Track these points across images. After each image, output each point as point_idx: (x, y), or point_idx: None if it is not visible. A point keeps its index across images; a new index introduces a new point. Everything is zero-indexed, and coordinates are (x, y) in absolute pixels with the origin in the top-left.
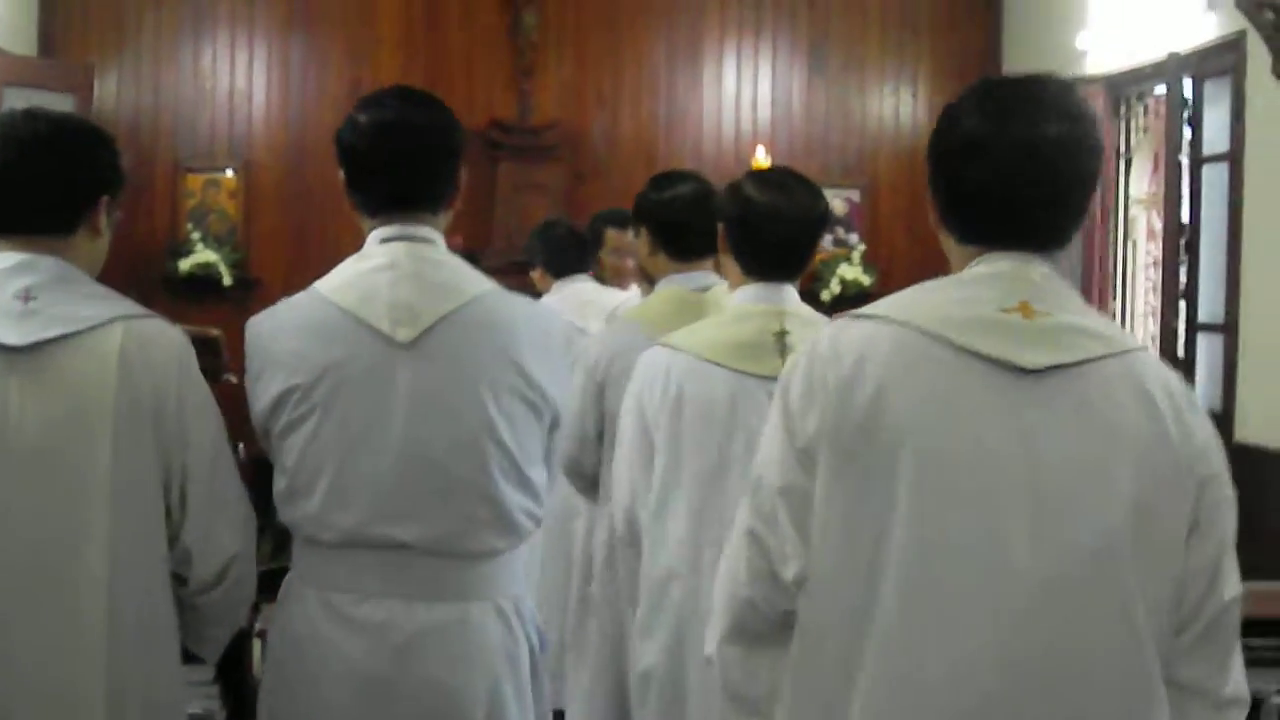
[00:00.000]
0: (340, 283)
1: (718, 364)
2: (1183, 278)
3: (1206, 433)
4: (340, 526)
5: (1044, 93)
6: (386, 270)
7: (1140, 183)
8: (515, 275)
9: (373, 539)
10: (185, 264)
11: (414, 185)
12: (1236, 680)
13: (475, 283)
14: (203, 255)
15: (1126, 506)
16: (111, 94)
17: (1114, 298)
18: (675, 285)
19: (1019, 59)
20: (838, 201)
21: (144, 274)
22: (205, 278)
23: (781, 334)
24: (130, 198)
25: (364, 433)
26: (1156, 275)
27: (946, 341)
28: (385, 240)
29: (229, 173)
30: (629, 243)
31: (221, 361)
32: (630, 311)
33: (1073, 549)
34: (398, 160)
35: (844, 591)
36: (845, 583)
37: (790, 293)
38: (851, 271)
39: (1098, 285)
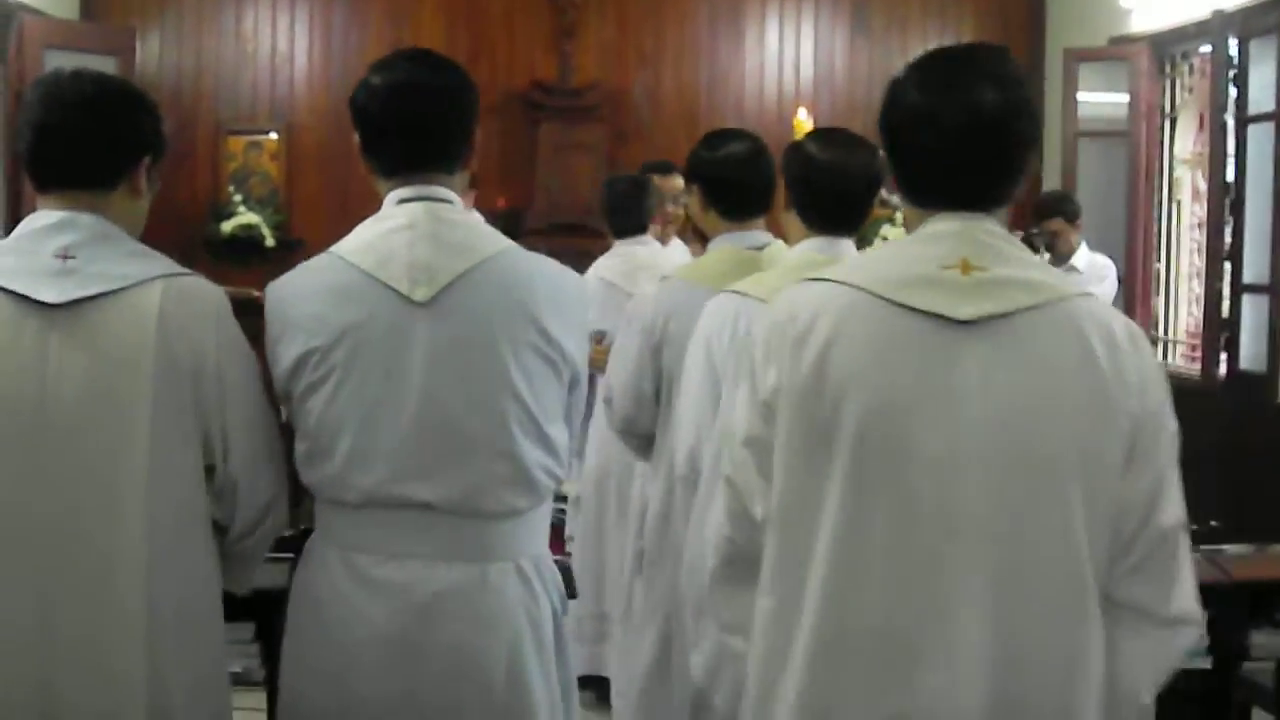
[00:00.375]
0: (359, 244)
1: None
2: (1227, 238)
3: (1144, 371)
4: (361, 487)
5: (981, 63)
6: (405, 231)
7: (1185, 142)
8: (558, 236)
9: (394, 498)
10: (228, 226)
11: (428, 145)
12: (1181, 600)
13: (492, 241)
14: (245, 217)
15: (1063, 441)
16: (154, 57)
17: (1158, 259)
18: (729, 244)
19: (1063, 19)
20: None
21: (187, 236)
22: (248, 239)
23: None
24: (172, 161)
25: (383, 393)
26: (1201, 236)
27: (886, 300)
28: (402, 201)
29: (271, 135)
30: (674, 187)
31: (261, 323)
32: (684, 269)
33: (1008, 488)
34: (411, 121)
35: (790, 537)
36: (791, 529)
37: (849, 246)
38: (894, 232)
39: (1142, 246)
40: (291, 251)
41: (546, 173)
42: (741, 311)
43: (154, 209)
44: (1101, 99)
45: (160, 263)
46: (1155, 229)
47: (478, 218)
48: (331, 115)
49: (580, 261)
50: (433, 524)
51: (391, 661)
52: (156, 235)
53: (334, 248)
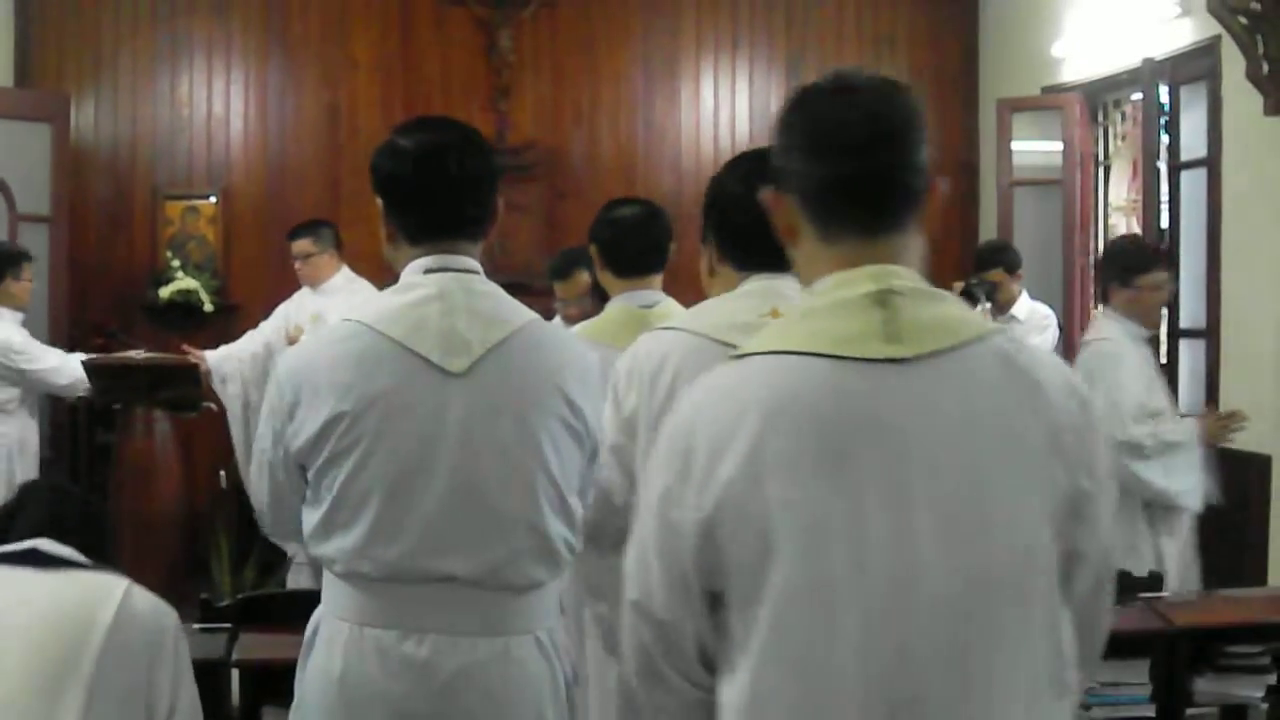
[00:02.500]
0: (385, 313)
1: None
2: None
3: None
4: (384, 559)
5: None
6: (435, 301)
7: (1120, 189)
8: None
9: (418, 572)
10: (166, 291)
11: (461, 210)
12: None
13: (519, 312)
14: (183, 282)
15: None
16: (89, 123)
17: (1094, 305)
18: (623, 303)
19: (995, 69)
20: None
21: (125, 301)
22: (186, 304)
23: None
24: (110, 226)
25: (415, 463)
26: None
27: (716, 340)
28: (429, 271)
29: (209, 199)
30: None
31: (201, 389)
32: (583, 329)
33: None
34: (446, 185)
35: None
36: None
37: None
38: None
39: (1079, 293)
40: (229, 315)
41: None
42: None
43: (91, 275)
44: (1036, 147)
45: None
46: (1092, 275)
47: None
48: (269, 178)
49: None
50: (456, 598)
51: None
52: (96, 301)
53: (356, 316)
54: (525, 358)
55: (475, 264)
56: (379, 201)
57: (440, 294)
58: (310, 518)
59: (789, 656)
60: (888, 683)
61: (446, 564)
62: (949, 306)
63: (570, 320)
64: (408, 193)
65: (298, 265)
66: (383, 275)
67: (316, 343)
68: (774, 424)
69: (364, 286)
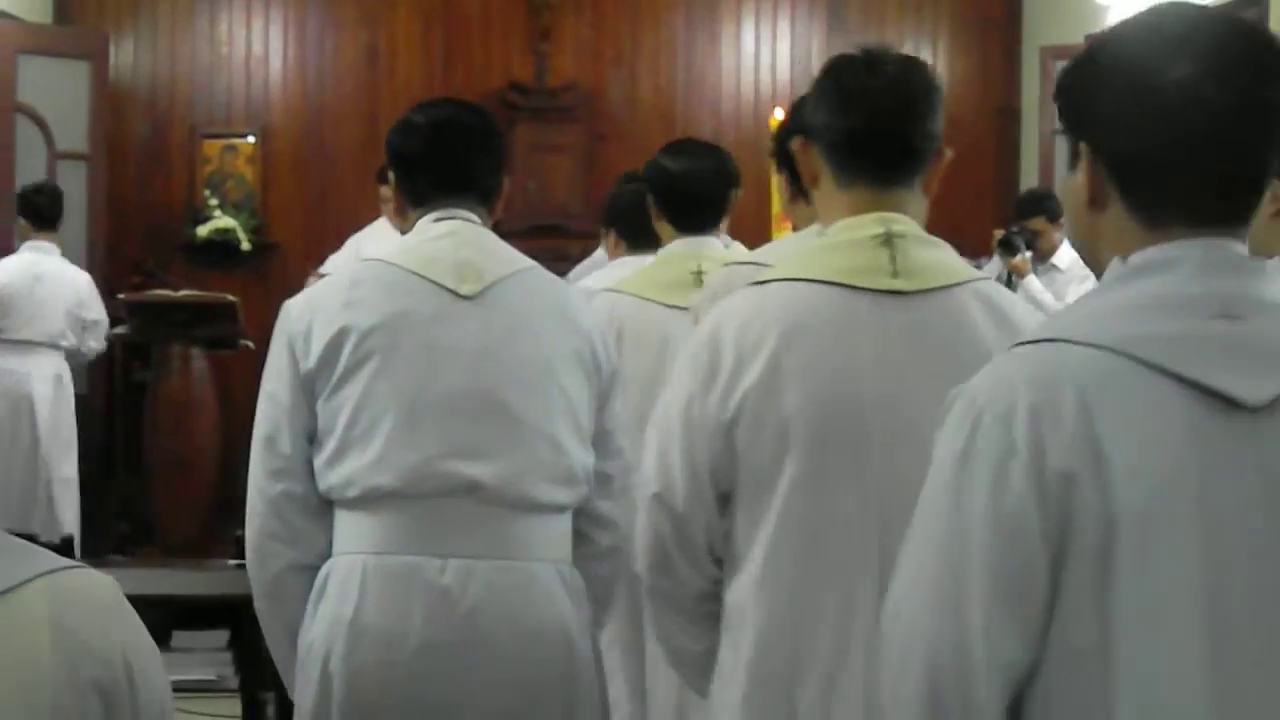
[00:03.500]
0: (398, 250)
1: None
2: None
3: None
4: (405, 465)
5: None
6: (447, 237)
7: None
8: (536, 238)
9: (439, 479)
10: (204, 230)
11: (467, 171)
12: None
13: (524, 258)
14: (221, 221)
15: None
16: (128, 61)
17: None
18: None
19: (1039, 16)
20: None
21: (162, 241)
22: (224, 243)
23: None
24: (147, 165)
25: (429, 371)
26: None
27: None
28: (439, 219)
29: (247, 138)
30: None
31: (238, 326)
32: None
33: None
34: (453, 147)
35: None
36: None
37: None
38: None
39: None
40: (267, 255)
41: (524, 175)
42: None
43: (129, 213)
44: None
45: (35, 557)
46: None
47: None
48: (307, 118)
49: (558, 265)
50: (477, 515)
51: (440, 670)
52: (132, 240)
53: (368, 258)
54: (537, 288)
55: (481, 219)
56: (391, 178)
57: (451, 232)
58: (324, 448)
59: (793, 542)
60: (886, 551)
61: (469, 468)
62: (942, 253)
63: None
64: (418, 155)
65: (389, 207)
66: None
67: (327, 281)
68: (792, 340)
69: None
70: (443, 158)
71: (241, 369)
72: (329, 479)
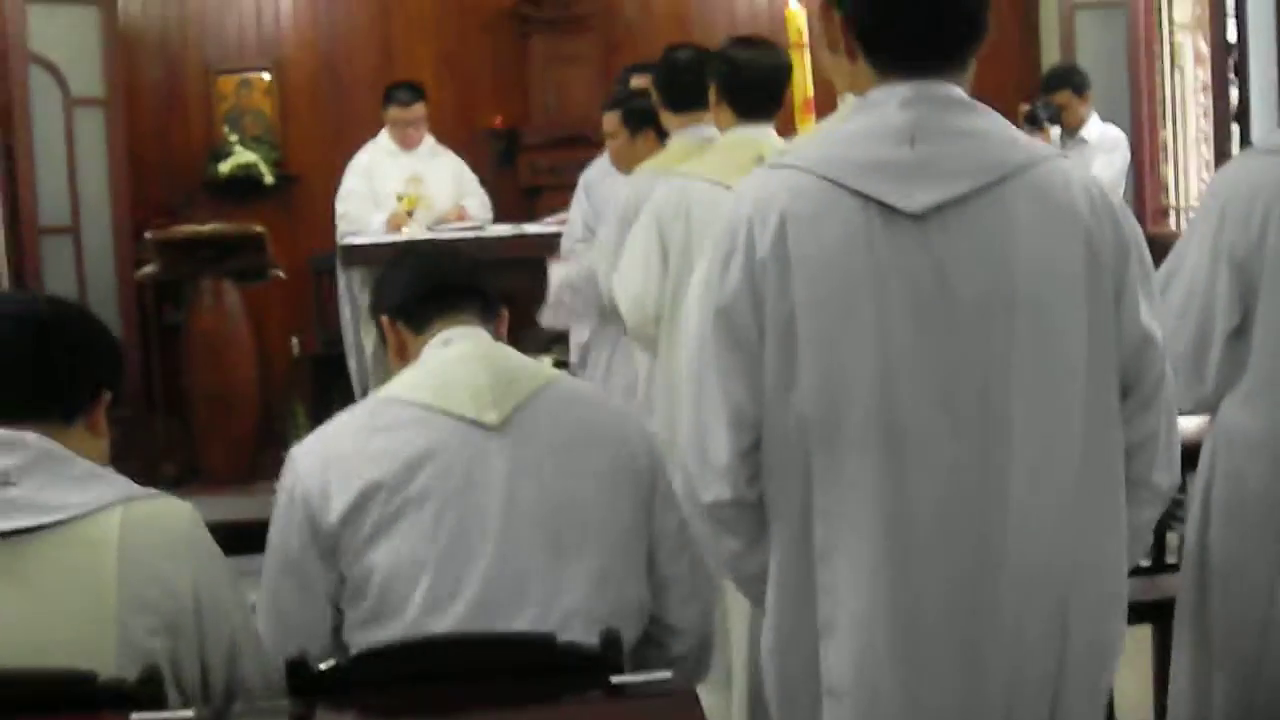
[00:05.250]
0: (407, 384)
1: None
2: (1234, 100)
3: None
4: (443, 627)
5: None
6: (458, 362)
7: (1183, 7)
8: (558, 150)
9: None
10: (225, 166)
11: (472, 281)
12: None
13: (543, 368)
14: (242, 156)
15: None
16: (136, 3)
17: (1163, 126)
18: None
19: None
20: None
21: (185, 180)
22: (247, 178)
23: None
24: (164, 105)
25: (463, 525)
26: (1207, 100)
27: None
28: (447, 342)
29: (262, 74)
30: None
31: (268, 257)
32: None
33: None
34: (439, 265)
35: None
36: None
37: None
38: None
39: (1147, 115)
40: (290, 187)
41: (541, 87)
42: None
43: (149, 155)
44: None
45: (120, 486)
46: (1159, 97)
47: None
48: (322, 49)
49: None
50: None
51: None
52: (155, 180)
53: (374, 395)
54: (561, 408)
55: (484, 332)
56: (384, 321)
57: (461, 356)
58: (354, 611)
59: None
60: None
61: (508, 624)
62: (978, 140)
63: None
64: (406, 286)
65: (409, 130)
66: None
67: (332, 426)
68: (802, 269)
69: (448, 154)
70: (430, 270)
71: (274, 299)
72: (359, 640)
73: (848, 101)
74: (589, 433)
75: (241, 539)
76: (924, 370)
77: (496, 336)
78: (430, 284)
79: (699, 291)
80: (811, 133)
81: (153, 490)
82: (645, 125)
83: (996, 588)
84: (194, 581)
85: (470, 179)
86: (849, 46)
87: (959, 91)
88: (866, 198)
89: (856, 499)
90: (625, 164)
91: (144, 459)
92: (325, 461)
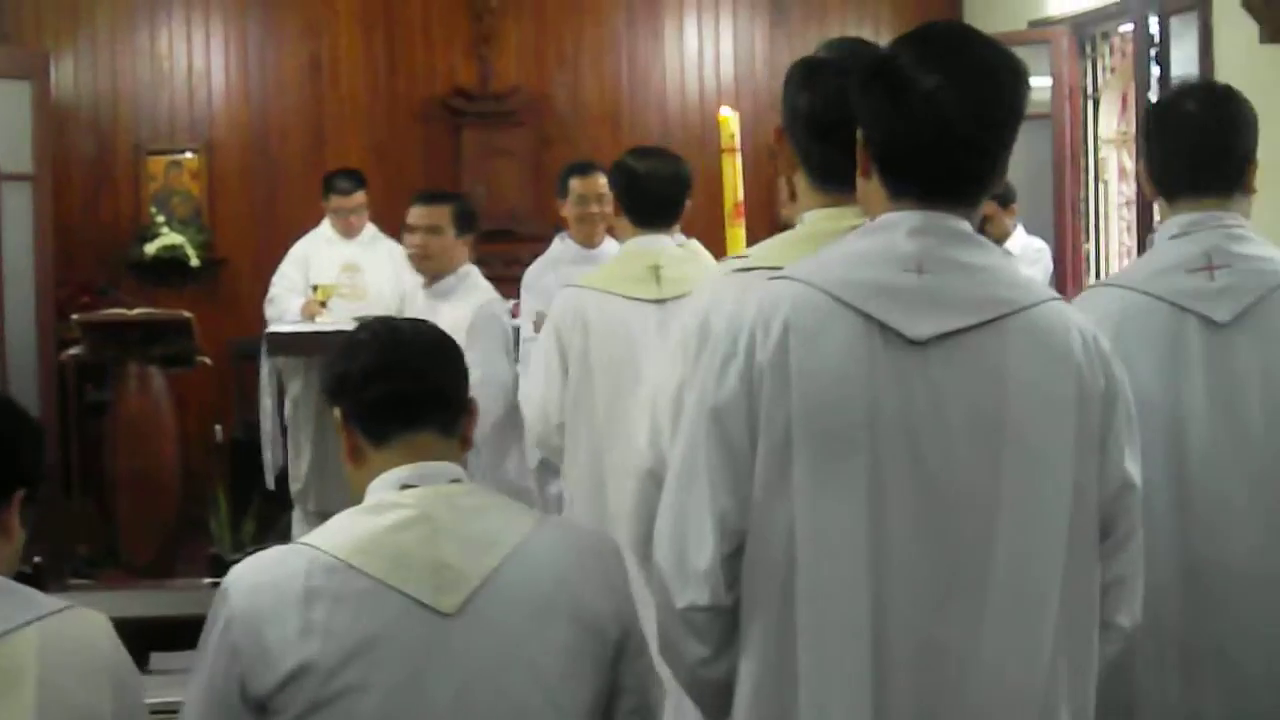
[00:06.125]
0: (359, 544)
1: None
2: (1156, 215)
3: (1107, 373)
4: None
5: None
6: (418, 525)
7: (1110, 122)
8: (487, 243)
9: None
10: (151, 247)
11: (439, 391)
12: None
13: (515, 525)
14: (169, 238)
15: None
16: (69, 79)
17: (1087, 239)
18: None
19: (981, 3)
20: None
21: (110, 259)
22: (172, 260)
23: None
24: (93, 183)
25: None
26: (1130, 214)
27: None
28: (406, 486)
29: (191, 154)
30: (596, 186)
31: (194, 344)
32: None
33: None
34: (406, 364)
35: None
36: None
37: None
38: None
39: (1070, 227)
40: (216, 270)
41: (471, 180)
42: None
43: (75, 233)
44: None
45: (29, 602)
46: (1083, 210)
47: None
48: (252, 131)
49: (511, 270)
50: None
51: None
52: (80, 259)
53: (319, 543)
54: (527, 577)
55: (458, 469)
56: (336, 414)
57: (423, 516)
58: None
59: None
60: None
61: None
62: (983, 276)
63: (584, 222)
64: (364, 386)
65: (350, 218)
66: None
67: (272, 573)
68: (802, 380)
69: (388, 241)
70: (397, 374)
71: (198, 386)
72: None
73: (805, 221)
74: (554, 605)
75: (160, 634)
76: (913, 494)
77: (462, 442)
78: (388, 392)
79: (669, 396)
80: (782, 243)
81: (62, 603)
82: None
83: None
84: (114, 711)
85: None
86: (864, 163)
87: (967, 226)
88: (870, 319)
89: (841, 621)
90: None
91: (58, 541)
92: (259, 620)
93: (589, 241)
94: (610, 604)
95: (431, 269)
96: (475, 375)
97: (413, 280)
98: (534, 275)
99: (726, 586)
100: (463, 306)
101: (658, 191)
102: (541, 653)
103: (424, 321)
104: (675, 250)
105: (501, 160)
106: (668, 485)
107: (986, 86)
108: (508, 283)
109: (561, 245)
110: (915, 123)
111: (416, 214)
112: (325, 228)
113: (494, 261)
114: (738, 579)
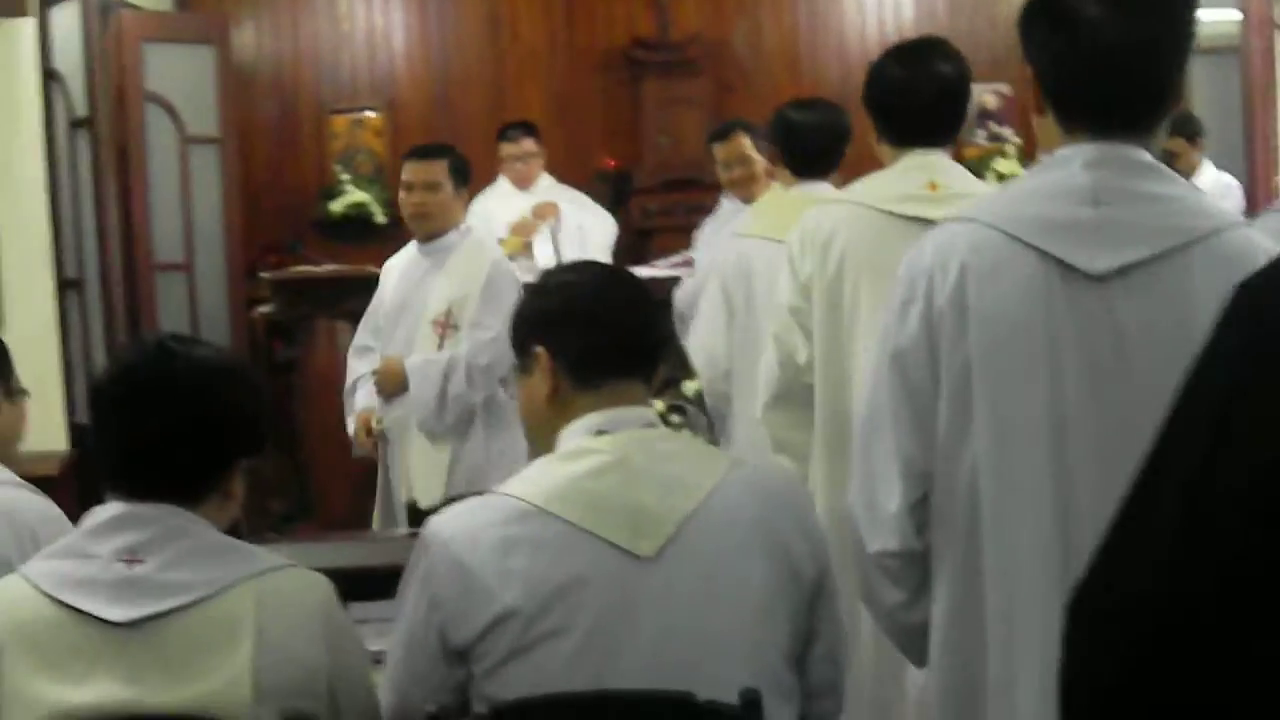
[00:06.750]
0: (555, 490)
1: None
2: None
3: None
4: None
5: None
6: (615, 470)
7: None
8: (669, 193)
9: None
10: (337, 206)
11: (636, 342)
12: None
13: (711, 468)
14: (354, 196)
15: None
16: (250, 43)
17: (1277, 172)
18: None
19: None
20: (989, 96)
21: (297, 219)
22: (358, 218)
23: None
24: (277, 145)
25: (605, 662)
26: None
27: (881, 210)
28: (601, 432)
29: (373, 112)
30: (737, 148)
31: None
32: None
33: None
34: (617, 310)
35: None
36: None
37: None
38: (1007, 165)
39: (1262, 163)
40: (401, 227)
41: (653, 129)
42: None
43: (261, 194)
44: (1212, 15)
45: (250, 558)
46: (1274, 144)
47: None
48: (433, 88)
49: (694, 218)
50: None
51: None
52: (267, 219)
53: (516, 490)
54: (729, 518)
55: (651, 414)
56: (540, 350)
57: (620, 461)
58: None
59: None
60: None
61: None
62: (1163, 205)
63: (731, 185)
64: (577, 326)
65: (520, 166)
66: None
67: (475, 523)
68: (979, 320)
69: (565, 190)
70: (602, 323)
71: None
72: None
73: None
74: (750, 546)
75: (357, 585)
76: (1096, 430)
77: (648, 390)
78: (610, 340)
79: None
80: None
81: (283, 560)
82: None
83: None
84: (330, 665)
85: (593, 209)
86: (1037, 101)
87: (1146, 155)
88: (1047, 255)
89: (1028, 557)
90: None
91: (252, 495)
92: (461, 572)
93: (749, 199)
94: (805, 544)
95: (431, 227)
96: (489, 334)
97: (600, 227)
98: (706, 235)
99: (916, 531)
100: (472, 260)
101: (814, 142)
102: (739, 594)
103: (627, 271)
104: (830, 196)
105: (682, 109)
106: (856, 431)
107: (1150, 9)
108: (690, 231)
109: (728, 204)
110: (1080, 52)
111: (411, 170)
112: (502, 182)
113: (677, 211)
114: (928, 523)
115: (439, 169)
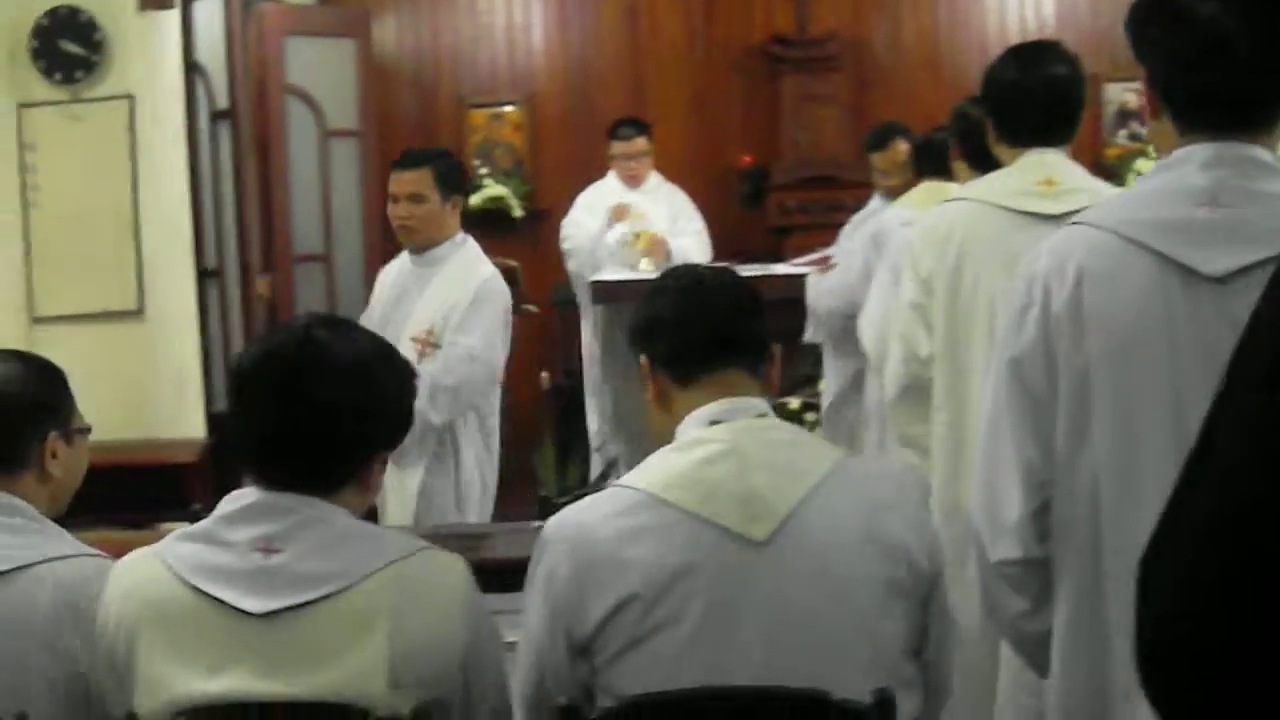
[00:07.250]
0: (671, 479)
1: None
2: None
3: None
4: None
5: None
6: (727, 458)
7: None
8: (808, 190)
9: None
10: (477, 199)
11: (733, 336)
12: None
13: (821, 457)
14: (493, 190)
15: None
16: (390, 36)
17: None
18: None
19: None
20: (1130, 95)
21: None
22: (496, 211)
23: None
24: (417, 137)
25: (721, 647)
26: None
27: (998, 206)
28: (715, 422)
29: (512, 107)
30: (892, 160)
31: (521, 292)
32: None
33: None
34: (712, 308)
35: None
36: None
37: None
38: (1148, 166)
39: None
40: (540, 220)
41: (791, 126)
42: None
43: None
44: None
45: (389, 545)
46: None
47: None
48: (572, 83)
49: (833, 216)
50: None
51: None
52: None
53: (634, 481)
54: (839, 507)
55: (763, 404)
56: (642, 360)
57: (732, 448)
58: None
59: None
60: None
61: None
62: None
63: (889, 192)
64: (664, 328)
65: (632, 164)
66: (685, 181)
67: (592, 515)
68: (1097, 325)
69: (673, 189)
70: (695, 322)
71: (524, 334)
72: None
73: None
74: (864, 536)
75: (492, 576)
76: None
77: (766, 383)
78: (694, 333)
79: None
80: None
81: (421, 544)
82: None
83: None
84: (467, 642)
85: (691, 217)
86: (1152, 103)
87: (1265, 153)
88: (1165, 258)
89: None
90: None
91: None
92: (581, 567)
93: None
94: (919, 539)
95: (418, 240)
96: (468, 350)
97: (694, 226)
98: (848, 231)
99: (1037, 539)
100: (461, 276)
101: (1031, 100)
102: (854, 583)
103: (726, 269)
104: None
105: (820, 107)
106: (980, 437)
107: (1265, 3)
108: (830, 229)
109: (877, 204)
110: (1195, 50)
111: (394, 181)
112: (610, 178)
113: (815, 209)
114: (1048, 531)
115: (423, 179)
